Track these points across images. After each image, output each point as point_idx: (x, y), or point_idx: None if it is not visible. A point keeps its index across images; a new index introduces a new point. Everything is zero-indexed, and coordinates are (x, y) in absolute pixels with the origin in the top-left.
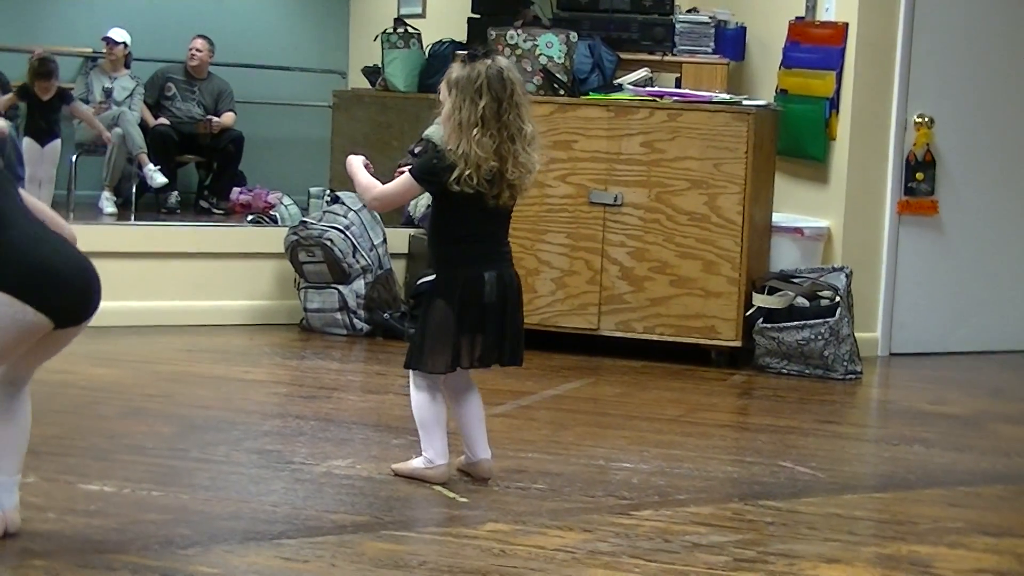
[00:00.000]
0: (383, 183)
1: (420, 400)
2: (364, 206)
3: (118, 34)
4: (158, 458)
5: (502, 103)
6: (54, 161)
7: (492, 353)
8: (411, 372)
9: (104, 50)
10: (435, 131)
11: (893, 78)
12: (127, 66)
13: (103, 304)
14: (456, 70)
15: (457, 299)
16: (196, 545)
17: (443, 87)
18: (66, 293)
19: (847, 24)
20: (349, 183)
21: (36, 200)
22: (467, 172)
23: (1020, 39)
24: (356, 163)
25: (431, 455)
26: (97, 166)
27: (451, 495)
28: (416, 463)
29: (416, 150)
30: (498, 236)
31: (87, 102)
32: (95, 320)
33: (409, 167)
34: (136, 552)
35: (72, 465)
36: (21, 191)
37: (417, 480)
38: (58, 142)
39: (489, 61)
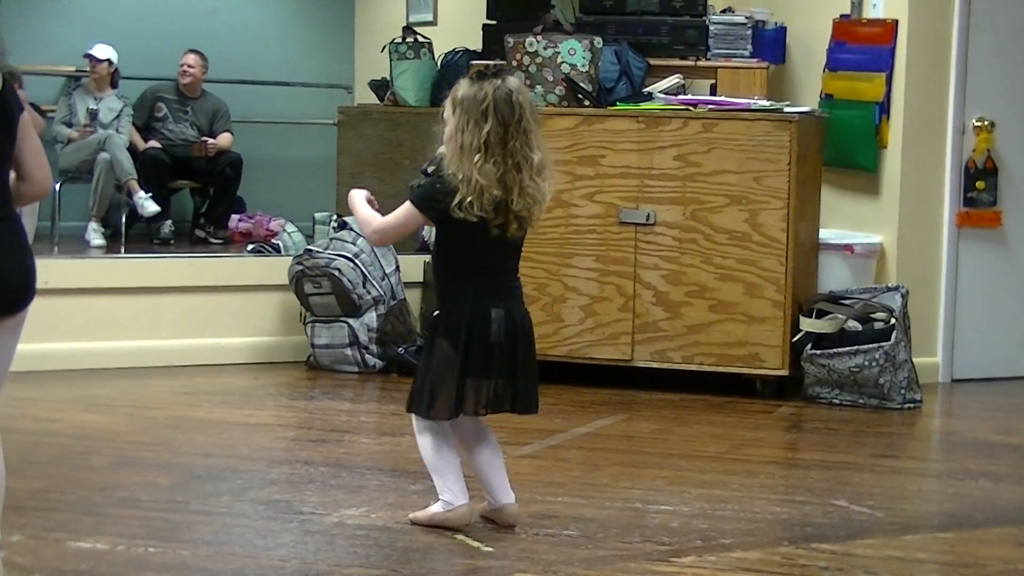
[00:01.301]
0: (393, 208)
1: (426, 444)
2: None
3: (102, 51)
4: (155, 512)
5: (508, 128)
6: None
7: (502, 399)
8: (413, 416)
9: (88, 68)
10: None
11: (949, 79)
12: (113, 85)
13: (92, 345)
14: (462, 88)
15: (462, 338)
16: None
17: (447, 104)
18: None
19: (897, 21)
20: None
21: (34, 158)
22: (468, 198)
23: None
24: (358, 197)
25: (448, 497)
26: (83, 194)
27: (475, 544)
28: (435, 508)
29: (429, 169)
30: (507, 269)
31: (70, 125)
32: (84, 362)
33: (410, 195)
34: None
35: (61, 521)
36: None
37: (437, 528)
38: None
39: (499, 81)
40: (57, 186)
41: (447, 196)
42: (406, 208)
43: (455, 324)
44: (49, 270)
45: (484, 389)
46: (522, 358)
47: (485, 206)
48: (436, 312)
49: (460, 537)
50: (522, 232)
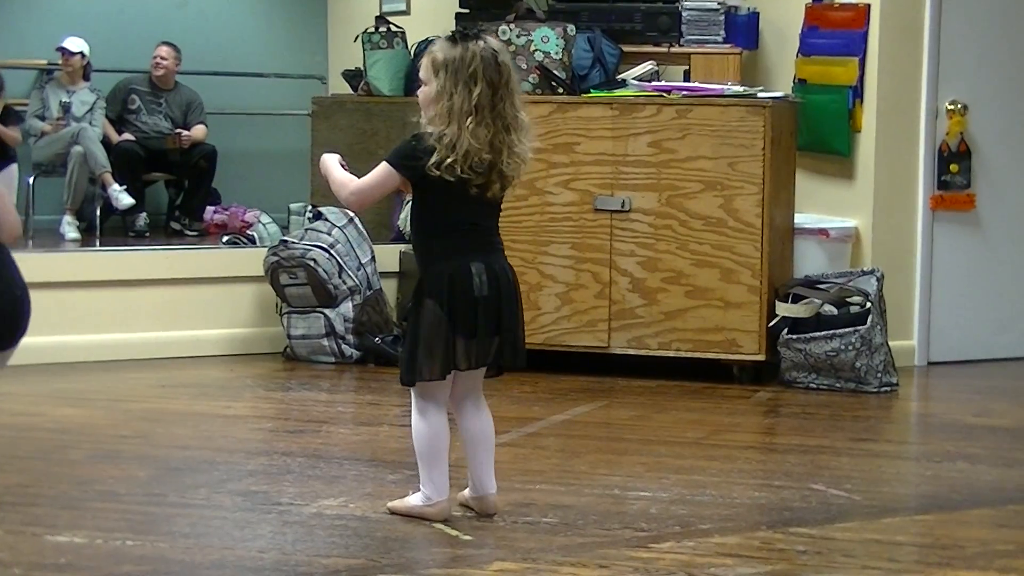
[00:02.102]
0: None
1: (421, 427)
2: (349, 220)
3: (74, 43)
4: (133, 504)
5: (497, 90)
6: (12, 187)
7: (489, 353)
8: (412, 394)
9: (60, 61)
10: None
11: (922, 62)
12: (86, 78)
13: (68, 339)
14: (445, 49)
15: (445, 295)
16: None
17: (427, 66)
18: None
19: (869, 6)
20: (332, 197)
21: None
22: (449, 159)
23: None
24: (331, 160)
25: (429, 491)
26: (57, 188)
27: (454, 533)
28: (414, 500)
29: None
30: (487, 227)
31: (43, 119)
32: (61, 356)
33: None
34: None
35: (39, 515)
36: None
37: (416, 518)
38: (14, 167)
39: (482, 43)
40: (31, 180)
41: (424, 155)
42: (382, 168)
43: (438, 282)
44: (24, 264)
45: (473, 344)
46: (507, 310)
47: (473, 168)
48: (417, 279)
49: (439, 526)
50: (502, 192)
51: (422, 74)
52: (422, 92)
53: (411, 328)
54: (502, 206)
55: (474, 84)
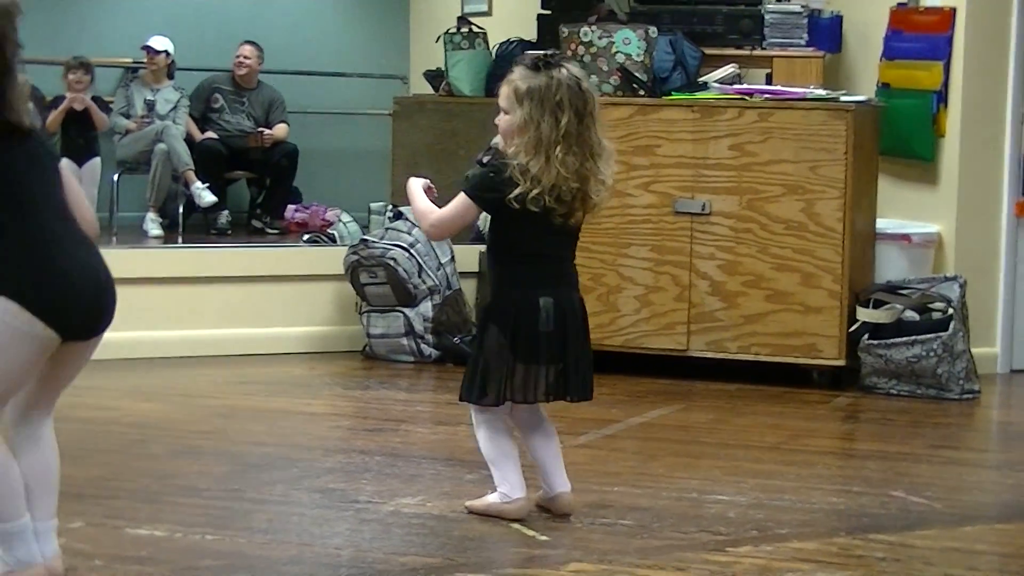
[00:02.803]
0: (451, 198)
1: (483, 435)
2: None
3: (159, 42)
4: (212, 499)
5: (583, 118)
6: (94, 181)
7: (555, 387)
8: (471, 407)
9: (145, 60)
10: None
11: (1008, 67)
12: (170, 76)
13: (149, 335)
14: (527, 78)
15: (510, 326)
16: None
17: (508, 95)
18: (77, 309)
19: (955, 9)
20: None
21: (74, 184)
22: (534, 192)
23: None
24: (415, 187)
25: (506, 489)
26: (140, 185)
27: (530, 533)
28: (492, 498)
29: (484, 159)
30: (562, 257)
31: (128, 116)
32: (141, 351)
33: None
34: None
35: (120, 508)
36: (65, 172)
37: (494, 517)
38: (97, 160)
39: (565, 71)
40: (115, 177)
41: (504, 186)
42: (460, 200)
43: (504, 312)
44: (107, 260)
45: (533, 377)
46: (572, 346)
47: (560, 197)
48: (489, 300)
49: (516, 526)
50: (584, 218)
51: (503, 103)
52: (503, 121)
53: (475, 349)
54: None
55: (561, 112)
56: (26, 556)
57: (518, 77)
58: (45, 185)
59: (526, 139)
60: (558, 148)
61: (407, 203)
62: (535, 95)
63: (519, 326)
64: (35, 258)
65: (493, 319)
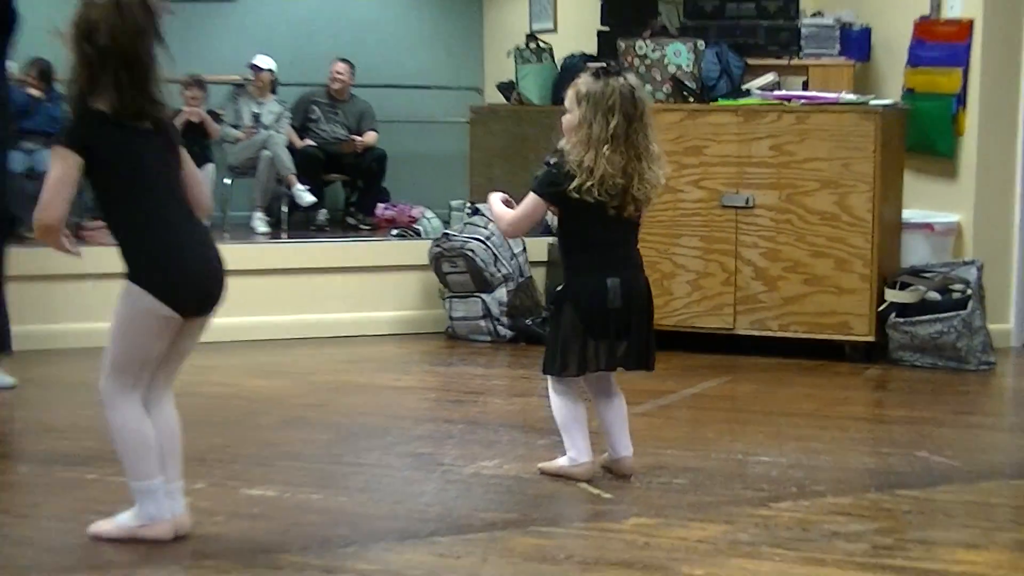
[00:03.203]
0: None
1: (558, 403)
2: None
3: (264, 61)
4: (316, 463)
5: (632, 122)
6: (208, 184)
7: (621, 357)
8: (549, 377)
9: (251, 77)
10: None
11: (1020, 73)
12: (273, 91)
13: (260, 319)
14: (588, 83)
15: (583, 305)
16: (354, 544)
17: (571, 96)
18: (192, 291)
19: (972, 21)
20: (487, 194)
21: (193, 172)
22: (588, 183)
23: None
24: (494, 198)
25: (574, 454)
26: (248, 188)
27: (596, 491)
28: (562, 462)
29: (552, 160)
30: (625, 243)
31: (237, 127)
32: (252, 335)
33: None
34: (298, 552)
35: (236, 471)
36: (185, 164)
37: (563, 478)
38: (211, 166)
39: (621, 79)
40: (227, 180)
41: (564, 179)
42: (530, 199)
43: (577, 294)
44: (221, 254)
45: (604, 349)
46: (637, 321)
47: (608, 191)
48: (561, 285)
49: (583, 485)
50: (638, 213)
51: (567, 103)
52: (565, 119)
53: (553, 327)
54: (641, 222)
55: (612, 115)
56: (156, 512)
57: (581, 82)
58: (167, 171)
59: (580, 136)
60: (606, 147)
61: (484, 202)
62: (591, 98)
63: (591, 305)
64: (157, 249)
65: (568, 300)
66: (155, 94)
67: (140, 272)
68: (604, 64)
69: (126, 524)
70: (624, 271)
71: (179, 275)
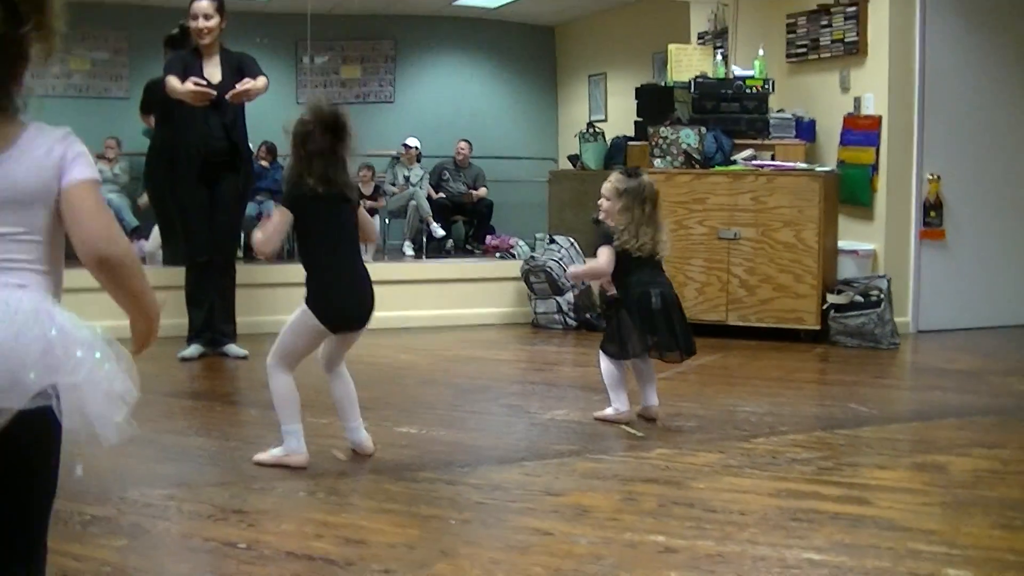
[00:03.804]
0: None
1: (607, 367)
2: (571, 244)
3: (412, 141)
4: (442, 411)
5: (656, 207)
6: (376, 226)
7: (668, 346)
8: (601, 354)
9: (403, 151)
10: None
11: (912, 149)
12: (418, 161)
13: (407, 313)
14: (624, 181)
15: (635, 310)
16: (468, 466)
17: (612, 191)
18: (342, 317)
19: (881, 116)
20: (562, 228)
21: (367, 219)
22: (635, 245)
23: (1003, 122)
24: (575, 269)
25: (619, 405)
26: (401, 226)
27: (632, 431)
28: (609, 412)
29: (600, 215)
30: (656, 272)
31: (394, 185)
32: (402, 322)
33: (598, 243)
34: (431, 471)
35: (389, 415)
36: (362, 216)
37: (611, 422)
38: (377, 217)
39: (644, 177)
40: (387, 221)
41: (611, 236)
42: (608, 250)
43: (632, 301)
44: (382, 270)
45: (647, 339)
46: (676, 318)
47: (641, 249)
48: (609, 292)
49: (624, 427)
50: (659, 259)
51: (607, 194)
52: (606, 205)
53: (613, 325)
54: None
55: (644, 204)
56: (297, 447)
57: (617, 180)
58: (347, 229)
59: (625, 218)
60: (642, 226)
61: (560, 234)
62: (631, 192)
63: (641, 309)
64: (325, 286)
65: (625, 306)
66: (344, 177)
67: (310, 298)
68: (631, 168)
69: (276, 453)
70: (660, 285)
71: (335, 308)
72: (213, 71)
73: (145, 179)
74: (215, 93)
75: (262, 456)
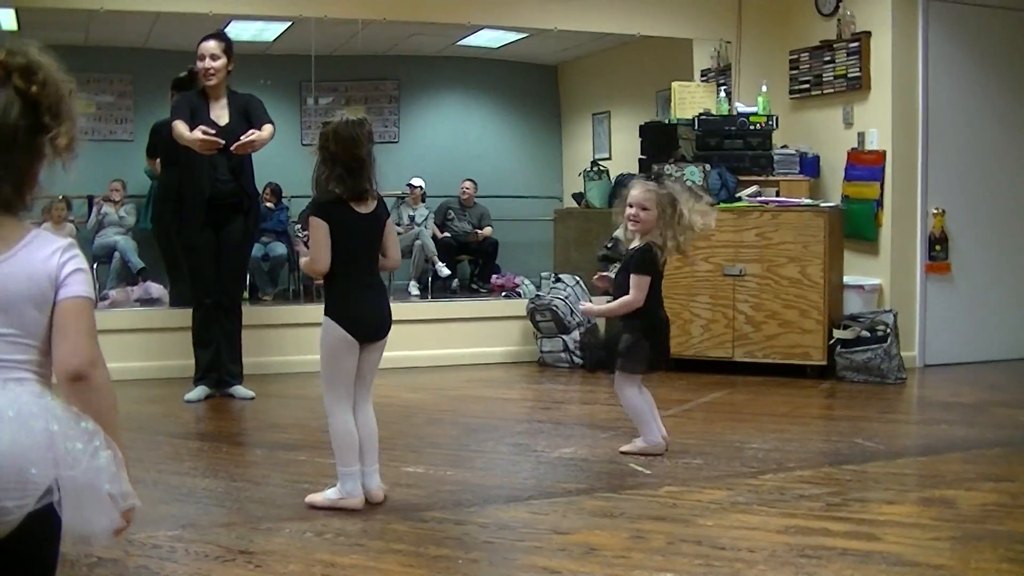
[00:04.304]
0: (589, 276)
1: (631, 401)
2: (576, 283)
3: (417, 181)
4: (450, 450)
5: (677, 209)
6: (396, 258)
7: (664, 364)
8: (620, 378)
9: (408, 191)
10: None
11: (917, 184)
12: (423, 200)
13: (414, 352)
14: (651, 187)
15: (652, 334)
16: (475, 505)
17: (651, 199)
18: (366, 325)
19: (885, 151)
20: (567, 267)
21: (394, 237)
22: (663, 257)
23: (1006, 155)
24: (594, 307)
25: (651, 437)
26: (406, 265)
27: (640, 468)
28: (639, 443)
29: (609, 244)
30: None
31: (399, 224)
32: (408, 362)
33: (633, 271)
34: (438, 510)
35: (396, 455)
36: (388, 232)
37: (640, 455)
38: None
39: (670, 183)
40: None
41: (657, 256)
42: (641, 280)
43: (649, 327)
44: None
45: (660, 359)
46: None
47: (676, 248)
48: (638, 320)
49: (631, 464)
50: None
51: (645, 203)
52: (646, 216)
53: (633, 345)
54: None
55: (675, 206)
56: (353, 490)
57: (650, 190)
58: (369, 238)
59: (660, 222)
60: (672, 227)
61: (566, 272)
62: (663, 198)
63: (657, 334)
64: (345, 295)
65: (642, 331)
66: (369, 182)
67: (331, 308)
68: (659, 170)
69: (331, 496)
70: (664, 311)
71: (355, 313)
72: (220, 113)
73: (152, 222)
74: (223, 143)
75: (315, 498)
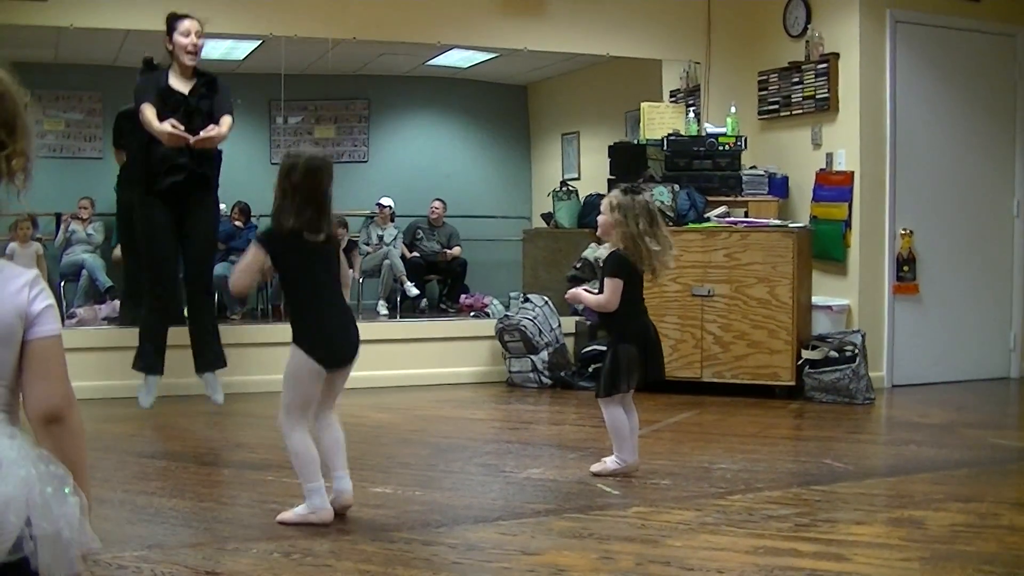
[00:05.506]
0: (559, 297)
1: (613, 416)
2: (545, 303)
3: (386, 200)
4: (418, 470)
5: (654, 223)
6: (348, 284)
7: (657, 374)
8: (602, 403)
9: (377, 211)
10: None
11: (885, 205)
12: (392, 220)
13: (382, 372)
14: (620, 197)
15: (638, 343)
16: (444, 526)
17: (606, 205)
18: (333, 353)
19: (853, 172)
20: (536, 287)
21: (346, 271)
22: (638, 262)
23: (974, 176)
24: (578, 291)
25: (624, 456)
26: (374, 285)
27: (607, 489)
28: (609, 463)
29: (578, 265)
30: (641, 298)
31: (368, 244)
32: (377, 381)
33: (604, 276)
34: (407, 531)
35: (365, 475)
36: (343, 265)
37: (619, 476)
38: (352, 271)
39: (640, 195)
40: (360, 279)
41: (626, 262)
42: (614, 283)
43: (634, 335)
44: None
45: (639, 371)
46: (659, 349)
47: (647, 265)
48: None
49: (599, 485)
50: (658, 276)
51: (604, 209)
52: (603, 220)
53: (612, 360)
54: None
55: (644, 217)
56: (322, 504)
57: (614, 196)
58: (327, 269)
59: (620, 234)
60: (647, 237)
61: (534, 292)
62: (624, 207)
63: (643, 341)
64: (313, 324)
65: (626, 339)
66: (325, 217)
67: (300, 338)
68: (629, 184)
69: (301, 512)
70: (647, 317)
71: (324, 342)
72: (182, 86)
73: (117, 205)
74: (190, 139)
75: (286, 515)
